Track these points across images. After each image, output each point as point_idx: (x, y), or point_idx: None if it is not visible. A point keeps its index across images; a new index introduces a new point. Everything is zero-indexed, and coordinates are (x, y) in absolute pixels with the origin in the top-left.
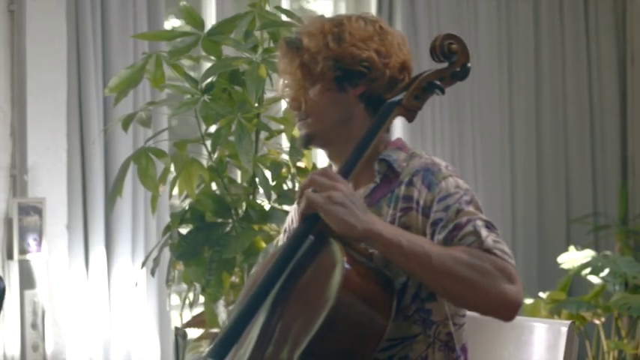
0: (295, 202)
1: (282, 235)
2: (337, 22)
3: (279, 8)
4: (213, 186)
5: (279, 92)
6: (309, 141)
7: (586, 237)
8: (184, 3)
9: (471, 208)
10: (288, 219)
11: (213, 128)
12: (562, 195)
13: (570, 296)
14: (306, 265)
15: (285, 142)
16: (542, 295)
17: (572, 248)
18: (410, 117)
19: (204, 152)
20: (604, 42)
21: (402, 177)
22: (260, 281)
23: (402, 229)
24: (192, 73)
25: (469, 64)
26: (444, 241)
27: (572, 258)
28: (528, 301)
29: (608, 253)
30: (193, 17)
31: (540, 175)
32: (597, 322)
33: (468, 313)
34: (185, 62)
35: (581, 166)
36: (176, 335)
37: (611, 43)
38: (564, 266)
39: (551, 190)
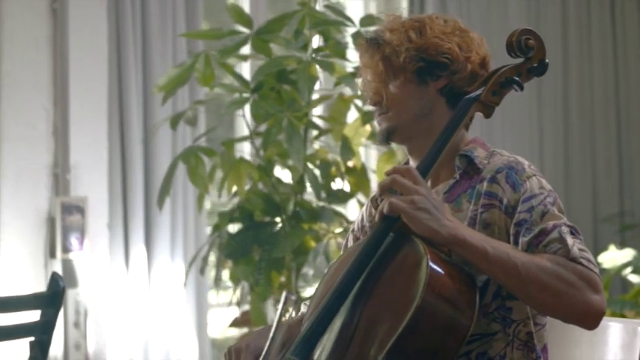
0: (369, 200)
1: (350, 235)
2: (417, 18)
3: (328, 7)
4: (259, 185)
5: (360, 89)
6: (390, 135)
7: (613, 236)
8: (232, 1)
9: (555, 211)
10: (358, 217)
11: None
12: (589, 194)
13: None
14: (388, 262)
15: (332, 142)
16: None
17: (612, 247)
18: (487, 113)
19: (247, 152)
20: (630, 39)
21: (483, 174)
22: (340, 279)
23: (484, 235)
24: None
25: (547, 60)
26: (528, 245)
27: (613, 257)
28: None
29: None
30: (241, 16)
31: (568, 175)
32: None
33: None
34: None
35: (608, 165)
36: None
37: (637, 40)
38: (605, 265)
39: (578, 189)
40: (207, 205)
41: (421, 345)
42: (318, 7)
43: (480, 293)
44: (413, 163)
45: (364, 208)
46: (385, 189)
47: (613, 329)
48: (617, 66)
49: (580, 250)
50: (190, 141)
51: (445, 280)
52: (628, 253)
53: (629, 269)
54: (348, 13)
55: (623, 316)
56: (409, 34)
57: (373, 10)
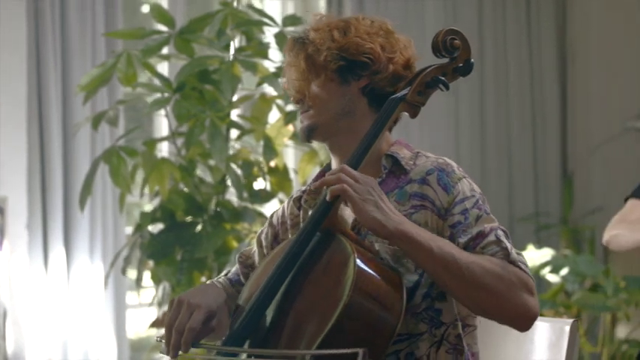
0: (290, 199)
1: (267, 229)
2: (344, 19)
3: (251, 7)
4: (181, 185)
5: (284, 86)
6: (311, 132)
7: (529, 237)
8: (155, 1)
9: (490, 215)
10: (279, 212)
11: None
12: (505, 195)
13: None
14: (315, 261)
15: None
16: None
17: (530, 247)
18: (413, 113)
19: (167, 151)
20: (545, 42)
21: (412, 175)
22: (268, 278)
23: (429, 232)
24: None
25: (472, 60)
26: (465, 247)
27: (531, 257)
28: None
29: (567, 252)
30: (163, 15)
31: (484, 176)
32: None
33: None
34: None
35: (524, 166)
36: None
37: (552, 44)
38: None
39: (494, 190)
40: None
41: (348, 344)
42: (241, 7)
43: (410, 293)
44: (335, 162)
45: (285, 203)
46: (336, 193)
47: (540, 328)
48: (532, 67)
49: (517, 254)
50: (109, 141)
51: (372, 280)
52: (546, 253)
53: (547, 269)
54: (265, 9)
55: (541, 315)
56: (333, 34)
57: (291, 10)
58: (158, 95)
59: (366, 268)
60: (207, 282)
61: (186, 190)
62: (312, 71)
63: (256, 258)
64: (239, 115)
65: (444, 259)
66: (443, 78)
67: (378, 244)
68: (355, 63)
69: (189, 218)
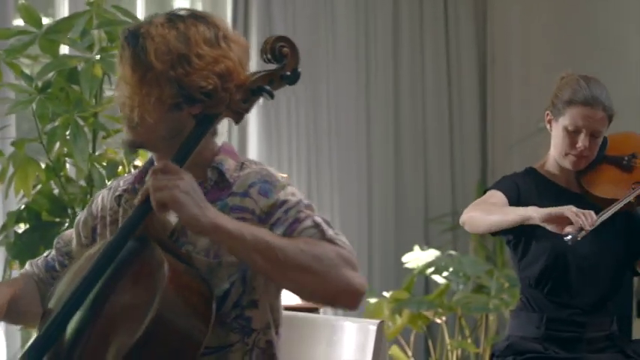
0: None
1: (87, 216)
2: (183, 35)
3: (117, 7)
4: (53, 185)
5: (116, 90)
6: (136, 147)
7: (444, 237)
8: (23, 1)
9: (309, 210)
10: (97, 202)
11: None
12: (420, 195)
13: (416, 296)
14: (127, 269)
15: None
16: (385, 294)
17: (416, 248)
18: (237, 119)
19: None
20: (464, 41)
21: (235, 188)
22: (76, 285)
23: (246, 224)
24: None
25: (299, 69)
26: (284, 235)
27: (417, 257)
28: (372, 300)
29: (452, 252)
30: (31, 16)
31: (398, 176)
32: (439, 321)
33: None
34: (26, 61)
35: (441, 166)
36: None
37: (471, 43)
38: (408, 265)
39: (409, 189)
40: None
41: (157, 354)
42: (109, 7)
43: (220, 302)
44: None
45: (106, 192)
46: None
47: (349, 329)
48: (449, 66)
49: (335, 233)
50: None
51: (181, 289)
52: (432, 254)
53: (432, 269)
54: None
55: (420, 315)
56: (173, 63)
57: (199, 8)
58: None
59: (175, 278)
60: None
61: (55, 190)
62: (146, 95)
63: (74, 245)
64: (106, 116)
65: (257, 246)
66: (268, 87)
67: (194, 254)
68: (192, 99)
69: (57, 219)
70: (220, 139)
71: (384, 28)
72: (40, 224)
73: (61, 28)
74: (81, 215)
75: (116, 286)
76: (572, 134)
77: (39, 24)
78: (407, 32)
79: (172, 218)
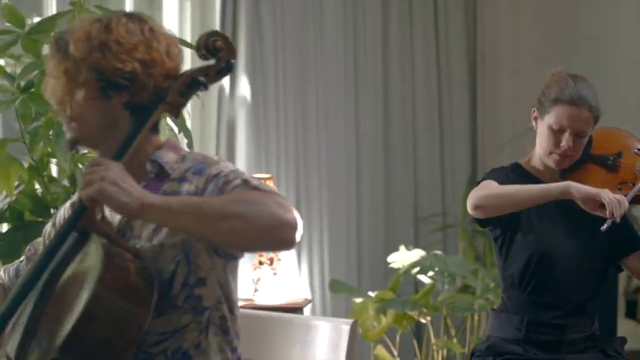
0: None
1: (50, 228)
2: (105, 26)
3: (99, 7)
4: (37, 185)
5: (44, 93)
6: (74, 144)
7: (433, 237)
8: (6, 1)
9: (242, 175)
10: (61, 213)
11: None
12: (410, 194)
13: (402, 296)
14: (69, 260)
15: None
16: (371, 294)
17: (402, 248)
18: (175, 113)
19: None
20: (454, 39)
21: (172, 177)
22: (26, 274)
23: (174, 197)
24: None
25: (233, 60)
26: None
27: (402, 257)
28: (358, 300)
29: (438, 252)
30: (14, 15)
31: (388, 175)
32: (424, 321)
33: (254, 313)
34: (10, 61)
35: (431, 165)
36: None
37: (461, 41)
38: (394, 265)
39: (398, 189)
40: None
41: (96, 337)
42: (92, 7)
43: (168, 285)
44: None
45: (69, 203)
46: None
47: (322, 329)
48: (439, 64)
49: (260, 183)
50: None
51: (118, 277)
52: (417, 254)
53: (417, 269)
54: (164, 10)
55: (405, 315)
56: (92, 50)
57: (188, 8)
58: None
59: (112, 267)
60: None
61: (38, 190)
62: (72, 86)
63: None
64: None
65: (184, 209)
66: (203, 79)
67: (140, 244)
68: (114, 84)
69: (39, 218)
70: (205, 138)
71: (373, 24)
72: (23, 224)
73: (43, 28)
74: (48, 225)
75: (59, 278)
76: (556, 133)
77: (22, 24)
78: (396, 29)
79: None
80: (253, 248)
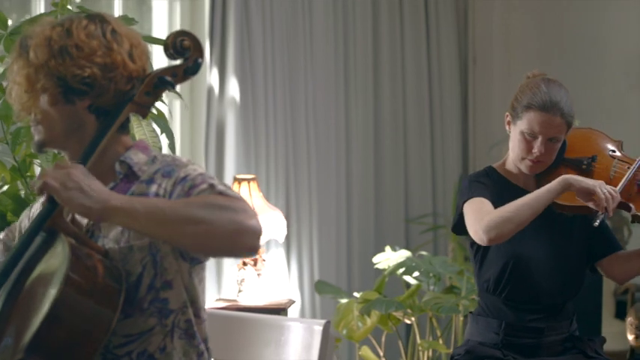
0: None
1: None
2: (65, 30)
3: (82, 8)
4: (20, 185)
5: (8, 98)
6: (41, 147)
7: (423, 238)
8: None
9: (210, 179)
10: (36, 205)
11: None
12: (400, 195)
13: (388, 297)
14: (37, 259)
15: None
16: (356, 294)
17: (388, 248)
18: (143, 113)
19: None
20: (445, 41)
21: (142, 178)
22: None
23: (138, 198)
24: None
25: (200, 60)
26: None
27: (388, 258)
28: (343, 300)
29: (423, 253)
30: None
31: (378, 176)
32: (408, 321)
33: (229, 314)
34: None
35: (421, 166)
36: None
37: (452, 43)
38: (379, 266)
39: (389, 190)
40: None
41: (62, 337)
42: (74, 7)
43: (135, 288)
44: None
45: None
46: (42, 189)
47: (295, 329)
48: (430, 66)
49: (227, 188)
50: None
51: (85, 278)
52: (403, 254)
53: (402, 270)
54: (154, 11)
55: (390, 316)
56: (50, 56)
57: (178, 9)
58: None
59: (79, 267)
60: None
61: (21, 191)
62: (34, 91)
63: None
64: None
65: (148, 212)
66: (169, 79)
67: (108, 245)
68: (74, 89)
69: None
70: (194, 138)
71: (364, 27)
72: (5, 225)
73: (25, 28)
74: (22, 216)
75: (27, 278)
76: (528, 139)
77: (4, 25)
78: (387, 31)
79: None
80: (216, 253)
